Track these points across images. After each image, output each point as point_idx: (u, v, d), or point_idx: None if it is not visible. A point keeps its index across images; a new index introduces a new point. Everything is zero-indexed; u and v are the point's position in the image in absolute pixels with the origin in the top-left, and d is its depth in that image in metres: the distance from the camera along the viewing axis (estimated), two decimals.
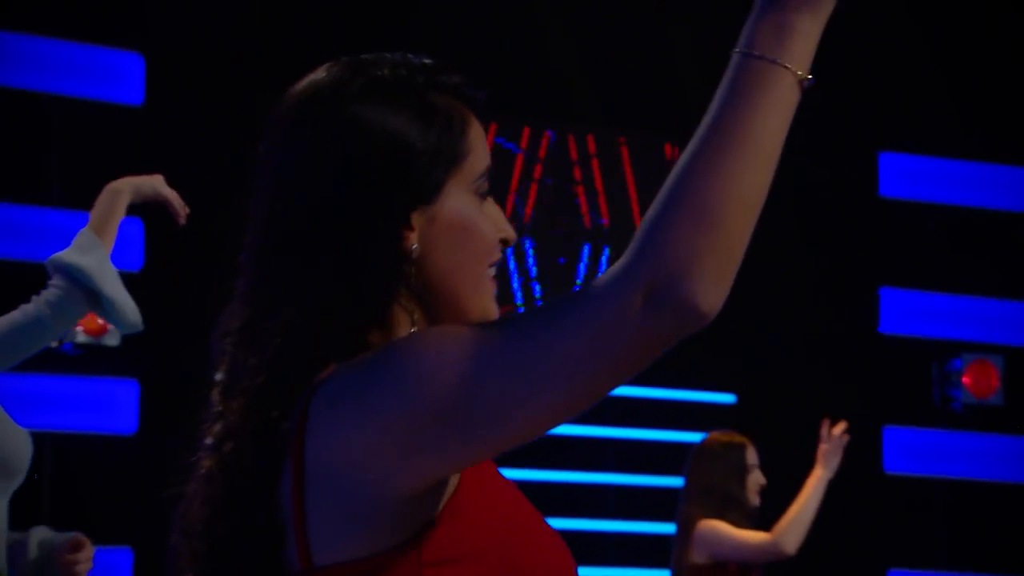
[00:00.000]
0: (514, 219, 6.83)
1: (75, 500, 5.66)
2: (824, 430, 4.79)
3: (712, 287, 1.15)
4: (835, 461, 4.76)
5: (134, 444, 5.96)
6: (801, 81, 1.19)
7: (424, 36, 6.16)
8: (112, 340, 5.81)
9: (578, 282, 7.00)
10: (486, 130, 1.43)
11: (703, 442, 4.83)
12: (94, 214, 3.13)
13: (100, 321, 5.73)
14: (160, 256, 5.84)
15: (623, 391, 6.85)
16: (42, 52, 6.03)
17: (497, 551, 1.29)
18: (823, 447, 4.77)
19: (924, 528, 7.30)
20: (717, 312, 1.15)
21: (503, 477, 1.42)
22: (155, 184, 3.20)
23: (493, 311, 1.38)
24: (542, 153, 7.09)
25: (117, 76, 6.14)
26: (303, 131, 1.36)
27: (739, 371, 6.83)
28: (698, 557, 4.62)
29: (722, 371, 6.88)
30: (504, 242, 1.40)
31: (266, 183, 1.37)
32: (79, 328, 5.74)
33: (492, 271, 1.39)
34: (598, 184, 7.16)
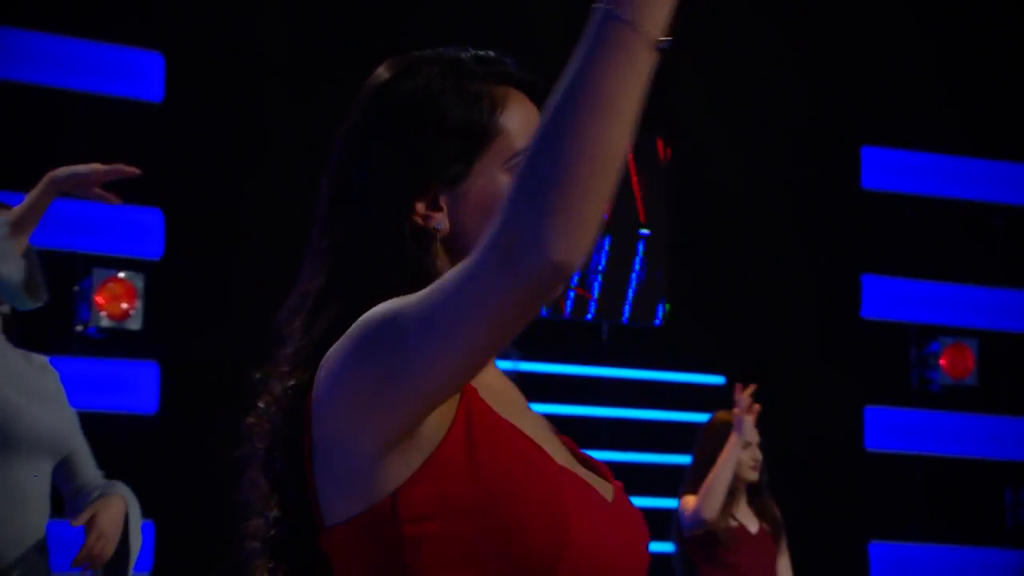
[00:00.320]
0: None
1: None
2: (736, 394, 4.70)
3: (563, 240, 1.13)
4: (748, 426, 4.64)
5: (155, 423, 5.97)
6: (655, 43, 1.16)
7: (424, 36, 6.14)
8: (134, 324, 5.81)
9: None
10: None
11: (709, 420, 4.85)
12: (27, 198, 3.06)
13: (124, 306, 5.73)
14: (179, 245, 5.82)
15: (619, 373, 6.87)
16: (67, 51, 6.03)
17: (488, 510, 1.24)
18: (735, 412, 4.66)
19: (903, 502, 7.32)
20: (577, 261, 1.15)
21: (551, 434, 1.39)
22: (76, 169, 3.09)
23: None
24: None
25: (138, 74, 6.13)
26: (349, 115, 1.39)
27: (728, 354, 6.83)
28: (684, 532, 4.66)
29: (712, 354, 6.87)
30: None
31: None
32: (103, 313, 5.74)
33: None
34: None
